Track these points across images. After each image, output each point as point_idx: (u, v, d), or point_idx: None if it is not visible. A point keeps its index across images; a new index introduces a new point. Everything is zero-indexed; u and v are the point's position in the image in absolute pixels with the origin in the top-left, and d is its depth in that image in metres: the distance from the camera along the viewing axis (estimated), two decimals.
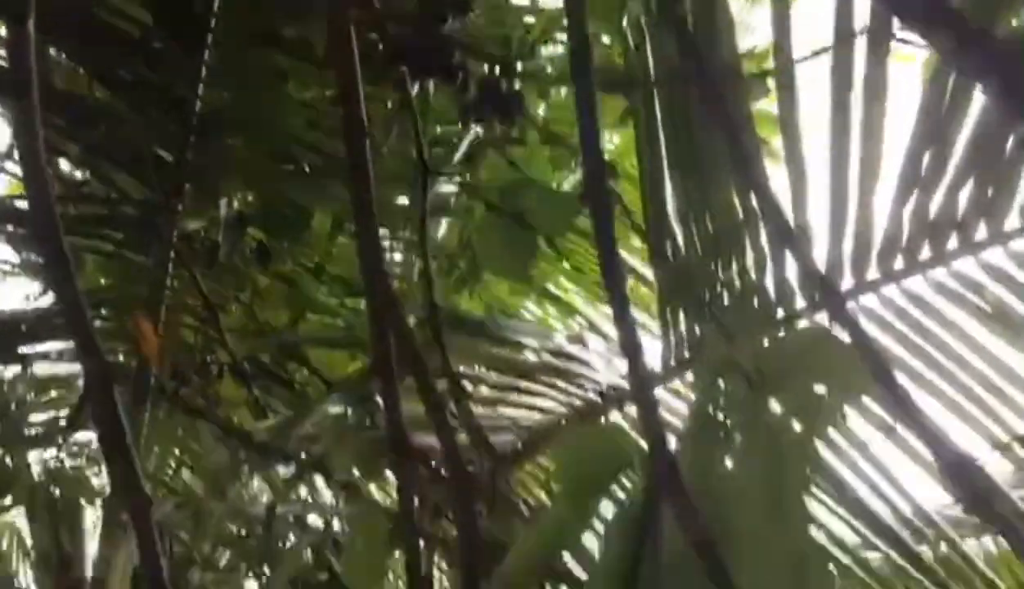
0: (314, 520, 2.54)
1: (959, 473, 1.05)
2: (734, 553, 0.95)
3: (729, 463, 1.08)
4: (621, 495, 1.10)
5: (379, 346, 1.37)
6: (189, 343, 3.14)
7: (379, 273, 1.38)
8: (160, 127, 2.77)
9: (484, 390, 2.33)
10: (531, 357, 2.40)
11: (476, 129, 2.08)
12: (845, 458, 2.33)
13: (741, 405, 1.19)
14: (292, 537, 2.47)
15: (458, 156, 2.04)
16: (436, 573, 2.10)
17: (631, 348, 1.06)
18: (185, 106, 2.72)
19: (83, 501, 3.41)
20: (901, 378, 2.24)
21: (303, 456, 2.16)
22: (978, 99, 2.06)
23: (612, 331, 2.66)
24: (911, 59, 2.15)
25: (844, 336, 1.19)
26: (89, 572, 3.34)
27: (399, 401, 1.28)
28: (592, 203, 1.14)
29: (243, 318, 2.91)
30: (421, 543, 1.42)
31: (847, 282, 2.32)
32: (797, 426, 1.12)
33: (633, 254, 3.36)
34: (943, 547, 2.43)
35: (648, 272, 2.93)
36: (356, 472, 2.00)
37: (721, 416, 1.18)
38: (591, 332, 3.08)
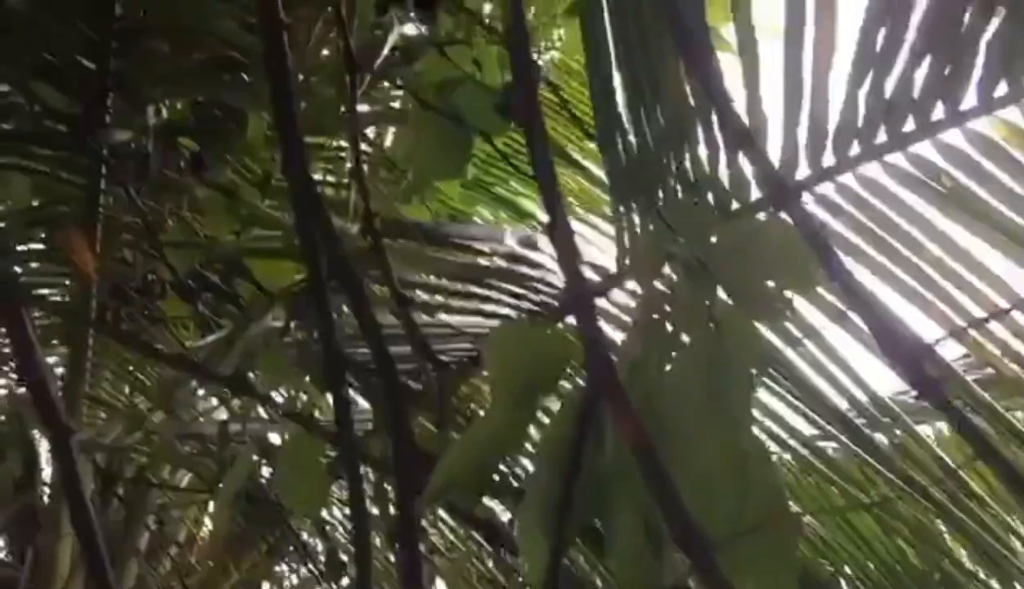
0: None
1: (910, 359, 0.99)
2: (673, 455, 0.89)
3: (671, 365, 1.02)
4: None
5: (306, 254, 1.29)
6: (129, 262, 3.04)
7: (299, 172, 1.30)
8: (79, 34, 2.62)
9: (428, 297, 2.25)
10: (481, 262, 2.32)
11: (409, 26, 1.95)
12: (800, 348, 2.31)
13: (686, 302, 1.14)
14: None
15: (385, 51, 1.92)
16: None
17: (561, 239, 0.99)
18: (104, 10, 2.56)
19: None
20: (858, 266, 2.22)
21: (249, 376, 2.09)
22: None
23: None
24: None
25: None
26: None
27: (330, 313, 1.21)
28: (518, 96, 1.06)
29: (184, 234, 2.80)
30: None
31: (803, 171, 2.25)
32: (742, 320, 1.06)
33: (587, 157, 3.29)
34: (898, 433, 2.44)
35: (601, 172, 2.85)
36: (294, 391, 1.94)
37: (666, 313, 1.12)
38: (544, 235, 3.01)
